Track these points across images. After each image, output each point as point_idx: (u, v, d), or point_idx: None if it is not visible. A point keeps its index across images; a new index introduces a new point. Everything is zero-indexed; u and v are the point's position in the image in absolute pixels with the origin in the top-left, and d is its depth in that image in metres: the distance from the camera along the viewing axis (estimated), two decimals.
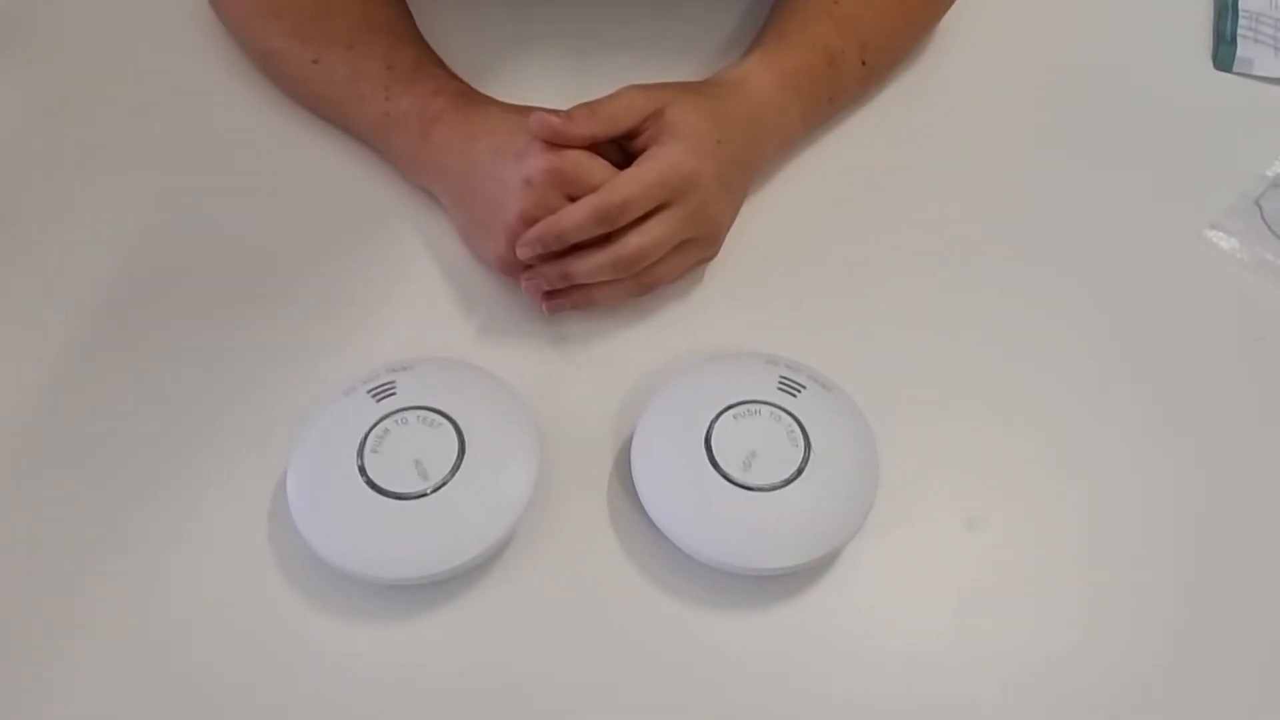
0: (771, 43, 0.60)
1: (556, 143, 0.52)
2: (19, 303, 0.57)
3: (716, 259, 0.58)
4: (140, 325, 0.56)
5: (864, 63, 0.61)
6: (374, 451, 0.48)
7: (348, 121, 0.61)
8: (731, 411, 0.49)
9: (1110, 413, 0.55)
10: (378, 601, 0.48)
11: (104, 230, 0.60)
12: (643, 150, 0.53)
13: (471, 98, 0.58)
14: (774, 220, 0.61)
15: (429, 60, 0.60)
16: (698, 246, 0.55)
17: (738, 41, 0.67)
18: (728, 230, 0.57)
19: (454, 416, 0.49)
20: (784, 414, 0.49)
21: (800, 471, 0.47)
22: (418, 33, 0.63)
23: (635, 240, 0.52)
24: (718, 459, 0.48)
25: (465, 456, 0.48)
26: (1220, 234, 0.61)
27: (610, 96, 0.54)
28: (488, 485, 0.48)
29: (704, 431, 0.48)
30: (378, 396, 0.50)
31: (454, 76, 0.60)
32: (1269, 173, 0.63)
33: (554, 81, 0.65)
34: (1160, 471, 0.54)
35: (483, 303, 0.57)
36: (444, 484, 0.47)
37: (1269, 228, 0.61)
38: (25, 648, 0.47)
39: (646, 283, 0.55)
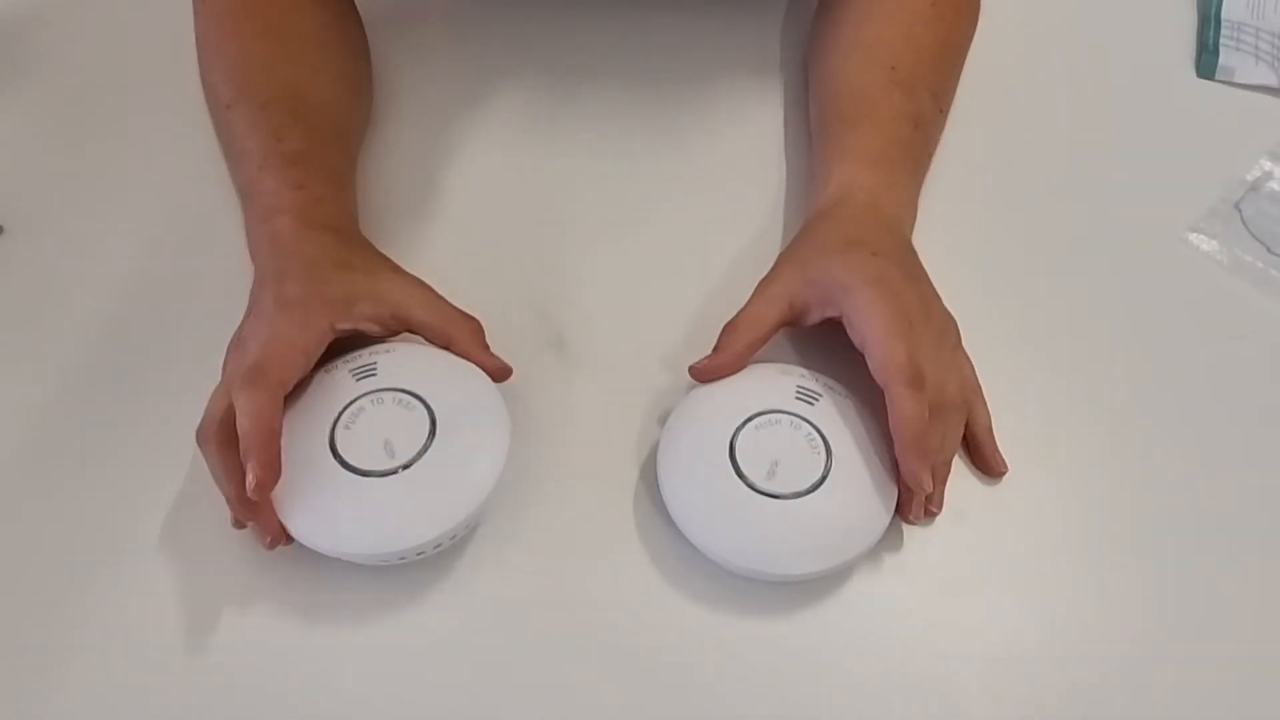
0: (850, 137, 0.59)
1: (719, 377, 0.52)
2: (29, 296, 0.58)
3: (725, 273, 0.60)
4: (144, 320, 0.57)
5: (941, 110, 0.62)
6: (346, 429, 0.48)
7: (231, 173, 0.59)
8: (753, 422, 0.50)
9: (1101, 409, 0.57)
10: (348, 577, 0.49)
11: (107, 233, 0.60)
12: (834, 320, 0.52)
13: (317, 217, 0.54)
14: (775, 230, 0.62)
15: (319, 155, 0.57)
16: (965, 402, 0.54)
17: (748, 51, 0.68)
18: (967, 369, 0.55)
19: (427, 399, 0.49)
20: (804, 423, 0.50)
21: (824, 478, 0.49)
22: (340, 125, 0.60)
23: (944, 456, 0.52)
24: (742, 469, 0.49)
25: (434, 439, 0.48)
26: (1201, 236, 0.63)
27: (748, 319, 0.53)
28: (453, 468, 0.48)
29: (728, 442, 0.50)
30: (358, 376, 0.50)
31: (331, 179, 0.56)
32: (1248, 177, 0.65)
33: (533, 103, 0.65)
34: (1144, 468, 0.55)
35: (488, 302, 0.57)
36: (410, 464, 0.48)
37: (1248, 230, 0.63)
38: (18, 634, 0.49)
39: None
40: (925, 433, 0.49)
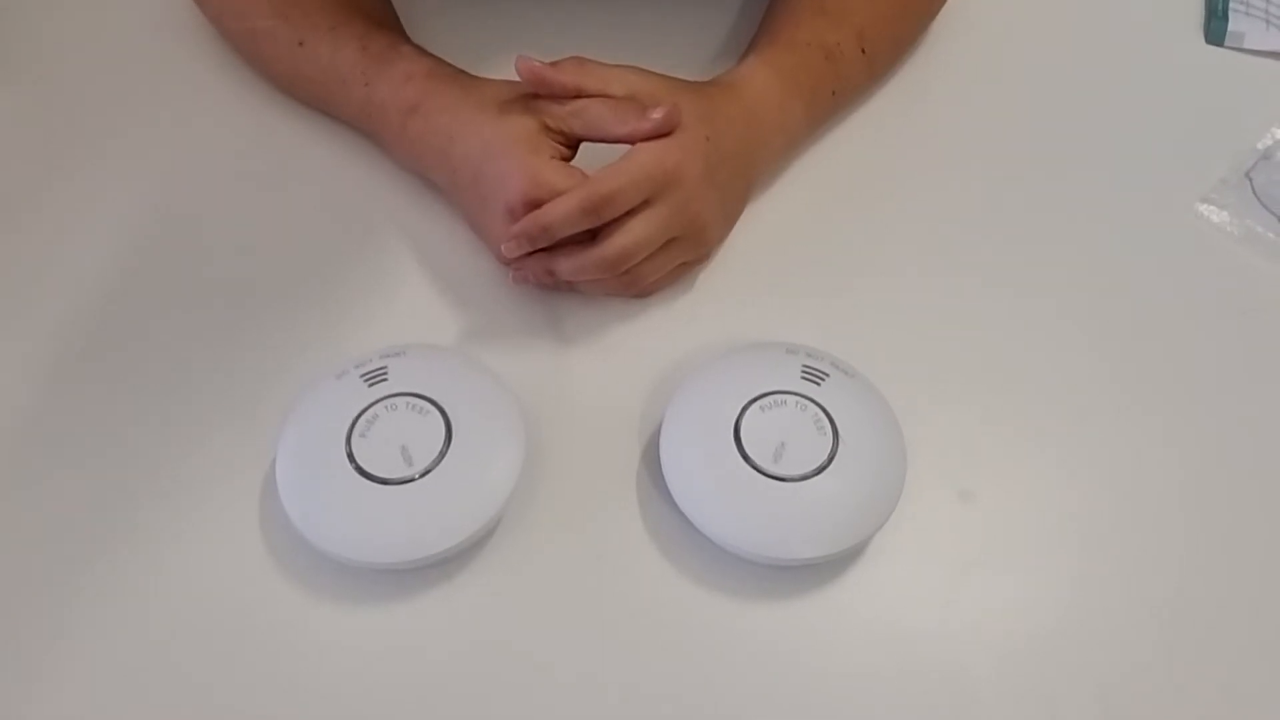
0: (765, 45, 0.60)
1: (540, 90, 0.53)
2: (19, 290, 0.57)
3: (723, 250, 0.58)
4: (137, 312, 0.56)
5: (864, 51, 0.61)
6: (362, 436, 0.48)
7: (332, 107, 0.61)
8: (758, 403, 0.49)
9: (1110, 384, 0.56)
10: (364, 585, 0.49)
11: (101, 221, 0.59)
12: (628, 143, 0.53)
13: (441, 82, 0.57)
14: (776, 209, 0.61)
15: (401, 40, 0.59)
16: (682, 246, 0.55)
17: (733, 44, 0.66)
18: (719, 231, 0.57)
19: (442, 404, 0.49)
20: (810, 403, 0.49)
21: (830, 460, 0.48)
22: (394, 15, 0.64)
23: (619, 240, 0.52)
24: (748, 451, 0.48)
25: (451, 445, 0.48)
26: (1212, 208, 0.62)
27: (608, 65, 0.54)
28: (471, 474, 0.48)
29: (732, 423, 0.49)
30: (370, 381, 0.50)
31: (423, 55, 0.58)
32: (1260, 145, 0.64)
33: None
34: (1155, 445, 0.54)
35: (491, 293, 0.57)
36: (429, 471, 0.48)
37: (1259, 200, 0.63)
38: (13, 634, 0.48)
39: (630, 282, 0.55)
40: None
